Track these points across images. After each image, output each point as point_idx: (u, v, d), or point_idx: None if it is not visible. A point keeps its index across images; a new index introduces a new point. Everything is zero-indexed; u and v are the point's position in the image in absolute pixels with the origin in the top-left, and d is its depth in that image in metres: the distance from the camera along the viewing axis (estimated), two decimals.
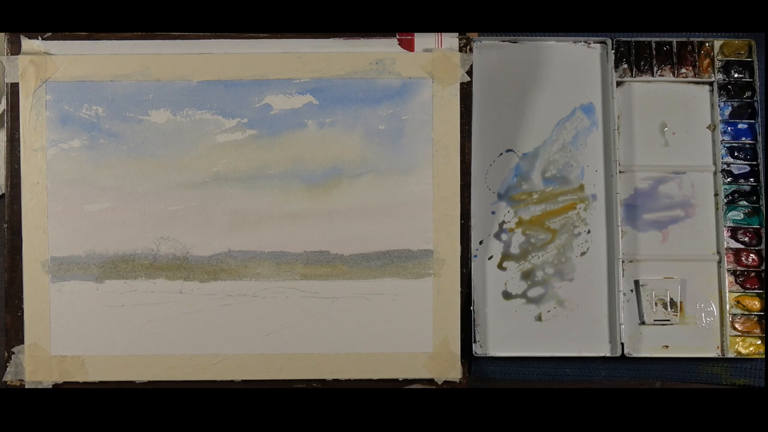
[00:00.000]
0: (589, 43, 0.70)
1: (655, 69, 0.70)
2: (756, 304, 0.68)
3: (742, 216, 0.69)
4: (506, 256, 0.69)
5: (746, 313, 0.68)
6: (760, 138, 0.69)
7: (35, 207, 0.67)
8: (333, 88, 0.67)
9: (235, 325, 0.67)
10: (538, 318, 0.68)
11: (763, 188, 0.68)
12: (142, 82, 0.67)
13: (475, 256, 0.68)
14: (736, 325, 0.67)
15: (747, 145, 0.69)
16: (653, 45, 0.70)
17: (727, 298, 0.68)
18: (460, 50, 0.67)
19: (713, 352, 0.68)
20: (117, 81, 0.67)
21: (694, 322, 0.68)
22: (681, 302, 0.68)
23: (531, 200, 0.69)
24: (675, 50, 0.70)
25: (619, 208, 0.68)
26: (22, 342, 0.66)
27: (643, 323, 0.68)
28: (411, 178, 0.67)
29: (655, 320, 0.68)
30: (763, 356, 0.67)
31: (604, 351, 0.68)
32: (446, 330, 0.67)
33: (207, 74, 0.67)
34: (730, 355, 0.67)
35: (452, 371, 0.67)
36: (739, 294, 0.68)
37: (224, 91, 0.67)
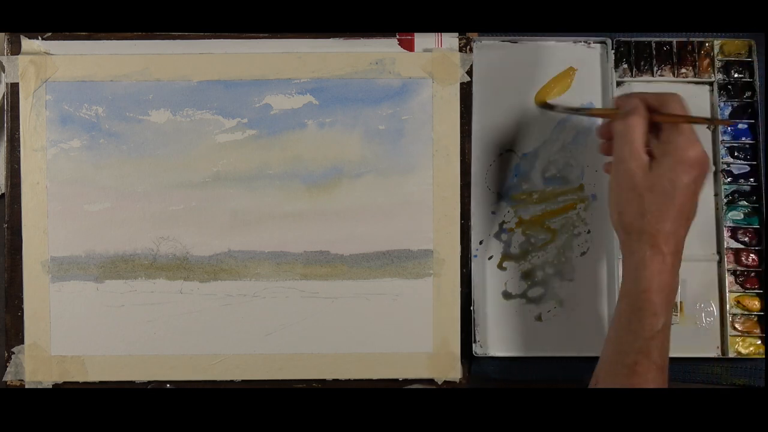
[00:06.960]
0: (589, 43, 0.70)
1: (655, 69, 0.70)
2: (756, 304, 0.68)
3: (742, 216, 0.69)
4: (506, 256, 0.69)
5: (746, 313, 0.68)
6: (760, 138, 0.69)
7: (35, 207, 0.67)
8: (333, 88, 0.67)
9: (235, 325, 0.67)
10: (538, 318, 0.68)
11: (763, 188, 0.68)
12: (142, 82, 0.67)
13: (475, 256, 0.68)
14: (736, 325, 0.67)
15: (747, 145, 0.69)
16: (653, 45, 0.70)
17: (727, 298, 0.67)
18: (460, 50, 0.67)
19: (713, 352, 0.68)
20: (117, 81, 0.67)
21: (694, 322, 0.68)
22: (681, 302, 0.68)
23: (531, 200, 0.69)
24: (675, 50, 0.70)
25: None
26: (22, 342, 0.66)
27: None
28: (411, 178, 0.67)
29: None
30: (763, 356, 0.67)
31: None
32: (446, 330, 0.67)
33: (207, 74, 0.67)
34: (730, 355, 0.67)
35: (452, 371, 0.67)
36: (739, 294, 0.68)
37: (224, 91, 0.67)
